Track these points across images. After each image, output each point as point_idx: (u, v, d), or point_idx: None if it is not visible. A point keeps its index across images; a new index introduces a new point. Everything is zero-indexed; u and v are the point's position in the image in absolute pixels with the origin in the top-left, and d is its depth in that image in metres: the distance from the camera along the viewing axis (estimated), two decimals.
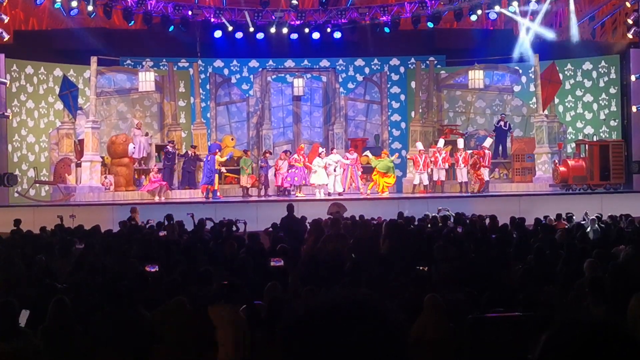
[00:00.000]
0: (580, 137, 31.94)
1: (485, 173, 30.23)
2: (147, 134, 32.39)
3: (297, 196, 29.43)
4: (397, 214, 20.69)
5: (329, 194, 29.64)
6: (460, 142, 31.12)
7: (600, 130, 32.23)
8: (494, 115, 33.67)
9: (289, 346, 2.09)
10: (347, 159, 30.87)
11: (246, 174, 30.72)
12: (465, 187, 30.54)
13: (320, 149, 31.34)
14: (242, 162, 30.88)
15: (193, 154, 31.38)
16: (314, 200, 27.85)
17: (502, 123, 32.69)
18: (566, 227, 17.87)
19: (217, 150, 30.51)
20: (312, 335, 2.05)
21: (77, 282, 10.79)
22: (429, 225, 18.57)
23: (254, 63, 34.84)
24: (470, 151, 30.90)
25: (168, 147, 31.25)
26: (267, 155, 31.46)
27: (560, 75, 31.81)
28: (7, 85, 29.31)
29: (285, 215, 19.32)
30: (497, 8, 31.93)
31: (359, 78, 35.48)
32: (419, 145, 31.15)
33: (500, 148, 32.71)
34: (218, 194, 29.80)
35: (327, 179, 30.06)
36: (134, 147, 30.73)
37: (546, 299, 9.29)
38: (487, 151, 30.46)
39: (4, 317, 8.21)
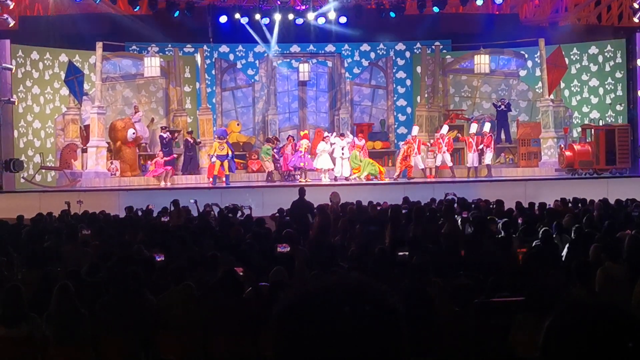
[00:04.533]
0: (586, 122, 31.89)
1: (473, 158, 30.57)
2: (152, 120, 32.42)
3: (300, 181, 29.38)
4: (402, 199, 20.68)
5: (336, 179, 29.68)
6: (474, 127, 31.11)
7: (606, 115, 32.16)
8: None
9: (279, 332, 2.06)
10: (354, 144, 30.82)
11: (268, 161, 30.65)
12: (474, 172, 30.64)
13: (326, 134, 31.31)
14: (263, 152, 30.88)
15: (191, 139, 31.34)
16: (319, 185, 27.83)
17: (502, 107, 32.71)
18: (573, 211, 17.85)
19: (216, 137, 30.30)
20: (303, 322, 2.00)
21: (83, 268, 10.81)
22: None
23: (259, 48, 34.76)
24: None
25: (162, 133, 31.08)
26: (276, 141, 31.38)
27: (566, 60, 31.72)
28: (13, 71, 29.31)
29: (297, 198, 19.29)
30: None
31: (365, 63, 35.40)
32: (415, 130, 31.15)
33: (503, 132, 32.68)
34: (217, 180, 29.50)
35: (331, 163, 30.08)
36: (134, 133, 30.72)
37: (552, 284, 9.29)
38: (488, 134, 30.70)
39: (10, 302, 8.25)
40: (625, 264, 10.08)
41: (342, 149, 30.33)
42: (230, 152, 29.49)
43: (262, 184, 30.14)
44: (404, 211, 16.58)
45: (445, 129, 31.28)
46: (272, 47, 33.74)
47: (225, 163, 29.32)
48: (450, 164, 30.99)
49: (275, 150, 30.91)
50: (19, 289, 8.37)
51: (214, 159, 29.30)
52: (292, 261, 11.26)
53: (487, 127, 31.13)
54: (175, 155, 31.02)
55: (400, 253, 10.87)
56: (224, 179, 29.38)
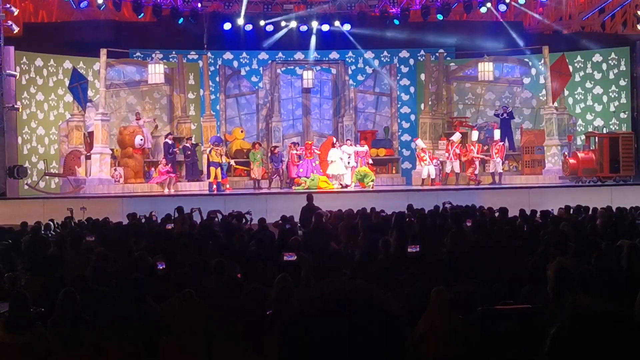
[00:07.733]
0: (590, 129, 31.89)
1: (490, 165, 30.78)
2: (156, 127, 32.43)
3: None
4: (406, 206, 20.66)
5: (343, 186, 29.74)
6: (475, 135, 31.23)
7: (610, 123, 32.16)
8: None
9: (284, 338, 2.07)
10: (358, 151, 30.99)
11: (256, 166, 30.82)
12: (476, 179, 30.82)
13: (334, 140, 31.50)
14: (251, 156, 31.02)
15: (190, 145, 31.38)
16: (327, 192, 27.83)
17: (505, 115, 32.70)
18: (577, 219, 17.82)
19: (210, 144, 30.42)
20: (307, 328, 2.01)
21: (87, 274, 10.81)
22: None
23: (263, 55, 34.81)
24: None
25: (167, 139, 31.19)
26: (276, 150, 31.48)
27: (570, 67, 31.72)
28: (17, 78, 29.34)
29: (306, 204, 19.35)
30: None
31: (369, 70, 35.43)
32: (420, 143, 31.26)
33: (507, 140, 32.66)
34: (214, 187, 29.63)
35: (344, 169, 30.18)
36: (142, 139, 30.82)
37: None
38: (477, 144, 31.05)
39: (16, 309, 8.26)
40: (573, 255, 10.27)
41: (349, 156, 30.54)
42: (222, 160, 29.60)
43: (265, 190, 30.15)
44: (407, 219, 16.59)
45: (457, 136, 31.30)
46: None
47: (219, 170, 29.41)
48: (457, 171, 31.08)
49: (272, 156, 31.08)
50: (25, 297, 8.37)
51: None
52: (297, 269, 11.24)
53: (474, 135, 31.50)
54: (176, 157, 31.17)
55: (410, 250, 10.90)
56: (215, 186, 29.41)
